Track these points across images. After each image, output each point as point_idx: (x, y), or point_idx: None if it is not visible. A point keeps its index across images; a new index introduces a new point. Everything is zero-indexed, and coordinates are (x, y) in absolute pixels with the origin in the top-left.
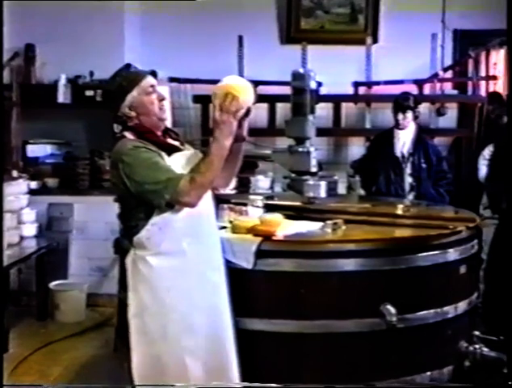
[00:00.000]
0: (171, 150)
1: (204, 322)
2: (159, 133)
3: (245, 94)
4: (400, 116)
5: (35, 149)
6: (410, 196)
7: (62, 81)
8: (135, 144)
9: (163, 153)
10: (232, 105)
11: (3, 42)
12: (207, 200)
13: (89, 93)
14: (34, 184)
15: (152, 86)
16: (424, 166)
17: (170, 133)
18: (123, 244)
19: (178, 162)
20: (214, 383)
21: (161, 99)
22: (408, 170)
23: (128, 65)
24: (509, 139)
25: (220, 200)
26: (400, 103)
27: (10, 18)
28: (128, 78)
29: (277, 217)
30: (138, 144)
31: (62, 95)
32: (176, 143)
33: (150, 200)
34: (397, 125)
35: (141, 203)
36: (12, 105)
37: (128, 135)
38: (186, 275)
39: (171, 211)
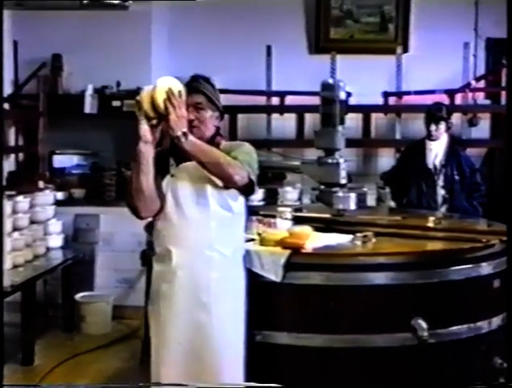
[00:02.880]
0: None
1: (184, 336)
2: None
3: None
4: (433, 127)
5: (61, 160)
6: (443, 209)
7: (89, 91)
8: None
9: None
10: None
11: (3, 42)
12: (203, 214)
13: (115, 103)
14: (60, 195)
15: (190, 105)
16: (457, 178)
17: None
18: (150, 256)
19: (180, 173)
20: (214, 383)
21: (192, 120)
22: (440, 182)
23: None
24: (509, 139)
25: (249, 212)
26: (433, 114)
27: (37, 28)
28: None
29: (306, 229)
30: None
31: (89, 106)
32: None
33: None
34: (430, 136)
35: None
36: (39, 115)
37: None
38: (170, 283)
39: (160, 221)
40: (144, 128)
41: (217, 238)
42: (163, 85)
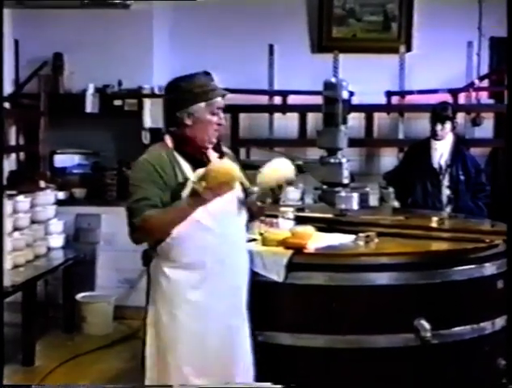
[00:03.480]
0: (202, 165)
1: (215, 344)
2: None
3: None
4: (439, 127)
5: (62, 159)
6: (448, 209)
7: (90, 90)
8: (148, 156)
9: (187, 168)
10: (223, 189)
11: (3, 42)
12: (236, 223)
13: (117, 102)
14: (61, 195)
15: (219, 108)
16: (462, 178)
17: (215, 146)
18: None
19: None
20: (214, 383)
21: (219, 124)
22: (445, 182)
23: (207, 73)
24: (509, 138)
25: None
26: (439, 113)
27: (39, 27)
28: (206, 86)
29: (308, 229)
30: (155, 158)
31: (90, 105)
32: (215, 156)
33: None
34: (435, 136)
35: None
36: (40, 114)
37: (167, 140)
38: (203, 292)
39: (191, 226)
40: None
41: (244, 242)
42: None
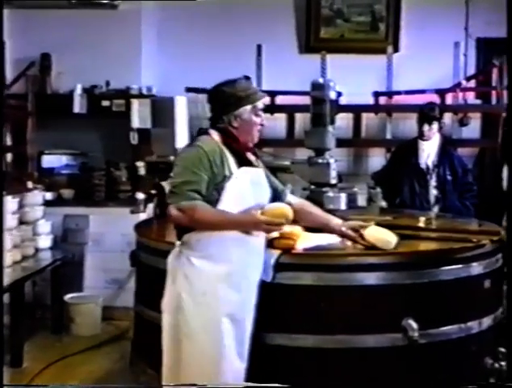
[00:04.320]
0: (244, 163)
1: (229, 333)
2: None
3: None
4: (426, 127)
5: (50, 160)
6: (435, 209)
7: (78, 91)
8: (201, 143)
9: (232, 163)
10: (276, 228)
11: (3, 42)
12: None
13: (105, 103)
14: (49, 195)
15: (260, 109)
16: (449, 178)
17: (252, 149)
18: (140, 256)
19: (244, 175)
20: (215, 383)
21: (261, 125)
22: (433, 182)
23: (248, 78)
24: (509, 138)
25: None
26: (426, 114)
27: (26, 27)
28: (249, 90)
29: (296, 229)
30: (209, 147)
31: (78, 105)
32: (252, 158)
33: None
34: (422, 136)
35: None
36: (27, 115)
37: (213, 134)
38: (226, 282)
39: None
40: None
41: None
42: None
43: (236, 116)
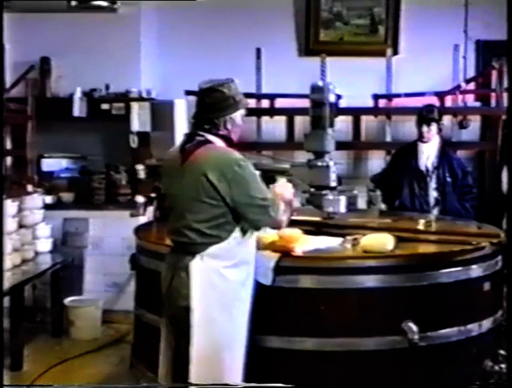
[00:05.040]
0: None
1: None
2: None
3: None
4: (425, 129)
5: (50, 164)
6: (435, 211)
7: (78, 94)
8: (241, 156)
9: None
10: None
11: (3, 43)
12: None
13: (105, 106)
14: (49, 199)
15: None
16: (449, 180)
17: None
18: (139, 260)
19: None
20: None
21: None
22: (432, 184)
23: (233, 80)
24: (509, 138)
25: None
26: (425, 116)
27: (26, 31)
28: (240, 95)
29: (295, 232)
30: (242, 156)
31: (78, 109)
32: None
33: (254, 213)
34: (421, 138)
35: (232, 214)
36: (27, 119)
37: (218, 142)
38: (247, 287)
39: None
40: None
41: None
42: None
43: (231, 119)
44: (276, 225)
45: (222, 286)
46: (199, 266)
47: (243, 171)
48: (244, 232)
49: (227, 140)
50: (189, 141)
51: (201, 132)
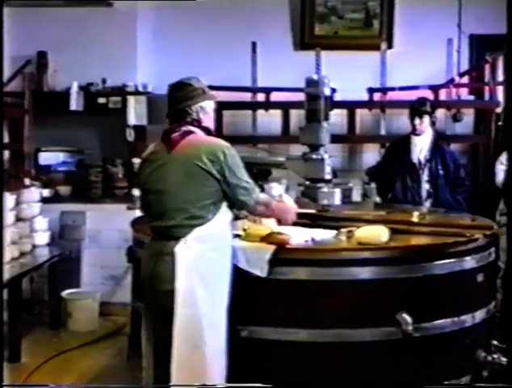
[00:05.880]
0: None
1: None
2: None
3: None
4: (417, 121)
5: (47, 157)
6: (427, 203)
7: (74, 88)
8: (227, 143)
9: None
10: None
11: (3, 43)
12: None
13: (101, 100)
14: (46, 192)
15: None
16: (441, 172)
17: None
18: (136, 252)
19: None
20: (215, 383)
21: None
22: (425, 176)
23: (198, 78)
24: (509, 139)
25: None
26: (417, 109)
27: (23, 25)
28: (206, 88)
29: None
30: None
31: (74, 103)
32: None
33: (240, 195)
34: (414, 131)
35: (220, 196)
36: (24, 113)
37: (199, 132)
38: (227, 268)
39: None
40: None
41: None
42: None
43: (202, 108)
44: (256, 209)
45: (205, 268)
46: (184, 250)
47: (232, 155)
48: (224, 215)
49: (207, 131)
50: (172, 133)
51: (183, 124)
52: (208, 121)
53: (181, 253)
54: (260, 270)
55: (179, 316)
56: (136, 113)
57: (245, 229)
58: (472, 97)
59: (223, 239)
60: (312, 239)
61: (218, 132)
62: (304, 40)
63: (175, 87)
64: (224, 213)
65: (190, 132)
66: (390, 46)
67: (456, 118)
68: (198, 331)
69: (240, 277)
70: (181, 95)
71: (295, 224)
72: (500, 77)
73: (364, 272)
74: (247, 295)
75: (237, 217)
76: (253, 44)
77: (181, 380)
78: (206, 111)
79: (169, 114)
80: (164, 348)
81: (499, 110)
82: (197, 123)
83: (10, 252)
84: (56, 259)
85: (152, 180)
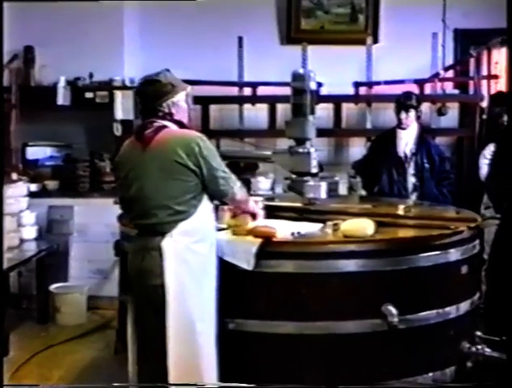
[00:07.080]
0: None
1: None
2: None
3: None
4: (403, 115)
5: (34, 152)
6: (413, 196)
7: (61, 83)
8: (200, 134)
9: None
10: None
11: (3, 44)
12: None
13: (88, 95)
14: (34, 187)
15: (188, 95)
16: (427, 166)
17: None
18: (124, 246)
19: None
20: (215, 383)
21: (190, 109)
22: (411, 170)
23: (168, 70)
24: (509, 139)
25: (221, 202)
26: (403, 102)
27: (9, 20)
28: (177, 80)
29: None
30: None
31: (62, 97)
32: None
33: (219, 185)
34: (400, 125)
35: (200, 189)
36: (11, 107)
37: (172, 126)
38: (213, 259)
39: (213, 202)
40: None
41: None
42: None
43: (173, 103)
44: (235, 197)
45: (192, 260)
46: (170, 244)
47: (206, 146)
48: (205, 207)
49: (180, 124)
50: (145, 130)
51: (155, 120)
52: (181, 114)
53: (168, 247)
54: (247, 263)
55: (171, 309)
56: (123, 107)
57: (230, 225)
58: (456, 91)
59: (208, 230)
60: (299, 232)
61: (205, 126)
62: (291, 35)
63: (144, 84)
64: (206, 204)
65: (163, 127)
66: (376, 40)
67: (441, 112)
68: (190, 323)
69: (227, 270)
70: (150, 93)
71: (281, 217)
72: (484, 71)
73: (350, 265)
74: (234, 288)
75: (217, 207)
76: (240, 39)
77: (178, 372)
78: (177, 104)
79: (141, 111)
80: (151, 343)
81: (483, 104)
82: (169, 116)
83: None
84: (44, 253)
85: (130, 180)
